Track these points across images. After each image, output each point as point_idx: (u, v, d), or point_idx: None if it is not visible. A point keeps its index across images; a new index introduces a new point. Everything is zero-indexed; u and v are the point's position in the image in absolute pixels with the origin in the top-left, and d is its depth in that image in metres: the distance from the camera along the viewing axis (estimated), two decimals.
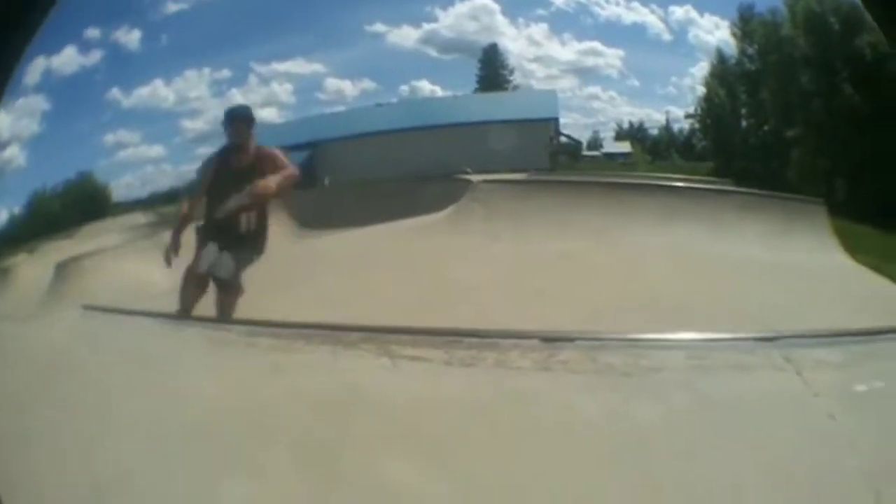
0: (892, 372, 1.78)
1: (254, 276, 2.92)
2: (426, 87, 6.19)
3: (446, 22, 6.71)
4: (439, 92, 6.25)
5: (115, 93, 4.01)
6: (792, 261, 3.20)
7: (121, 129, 4.08)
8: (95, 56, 3.79)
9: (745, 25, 7.90)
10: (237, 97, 5.11)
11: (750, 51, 7.94)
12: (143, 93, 4.24)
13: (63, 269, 2.86)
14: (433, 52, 6.55)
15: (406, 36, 6.50)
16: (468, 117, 5.92)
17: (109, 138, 4.08)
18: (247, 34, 4.79)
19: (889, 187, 5.12)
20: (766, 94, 7.15)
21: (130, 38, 4.05)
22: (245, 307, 2.36)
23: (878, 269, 3.60)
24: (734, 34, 7.91)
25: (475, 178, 4.19)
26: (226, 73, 5.01)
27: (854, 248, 3.86)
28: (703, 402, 1.56)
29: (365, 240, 3.66)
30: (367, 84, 5.92)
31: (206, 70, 4.81)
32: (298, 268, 2.91)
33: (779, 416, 1.53)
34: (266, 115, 5.45)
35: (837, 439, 1.45)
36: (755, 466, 1.37)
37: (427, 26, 6.57)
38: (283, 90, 5.56)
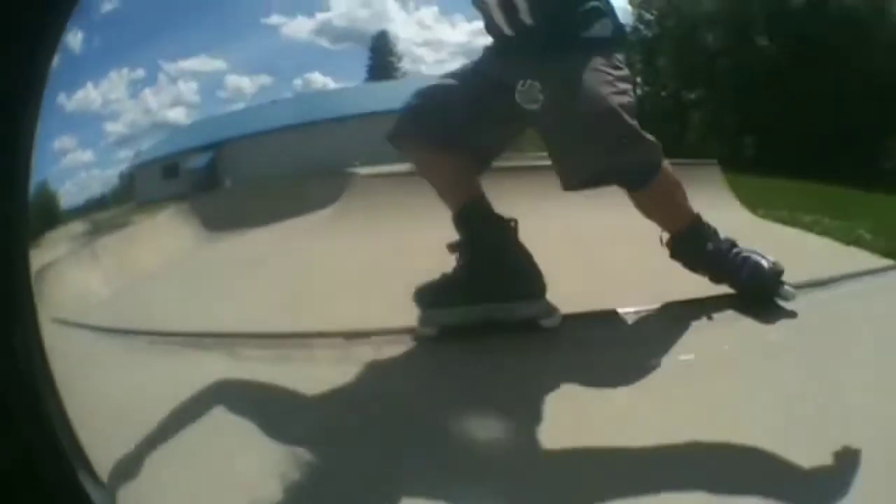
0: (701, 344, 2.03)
1: (163, 285, 3.15)
2: (318, 79, 6.29)
3: (339, 10, 6.87)
4: (331, 84, 6.36)
5: (61, 97, 3.96)
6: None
7: (64, 134, 4.16)
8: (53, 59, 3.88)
9: None
10: (149, 98, 5.17)
11: (648, 16, 8.28)
12: (79, 96, 4.33)
13: (38, 280, 2.97)
14: (326, 43, 6.65)
15: (300, 27, 6.57)
16: (356, 109, 6.03)
17: (56, 144, 4.09)
18: (159, 29, 4.74)
19: (804, 138, 5.76)
20: (663, 61, 7.59)
21: (76, 39, 3.93)
22: (157, 316, 2.55)
23: (788, 221, 3.85)
24: (631, 2, 8.20)
25: (362, 171, 4.44)
26: (140, 72, 5.05)
27: (762, 204, 4.08)
28: (481, 384, 1.89)
29: (253, 242, 3.89)
30: (264, 79, 5.99)
31: (125, 70, 4.86)
32: (206, 273, 3.15)
33: (552, 397, 1.79)
34: (175, 115, 5.56)
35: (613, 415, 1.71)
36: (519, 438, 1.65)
37: (321, 16, 6.70)
38: (188, 89, 5.59)
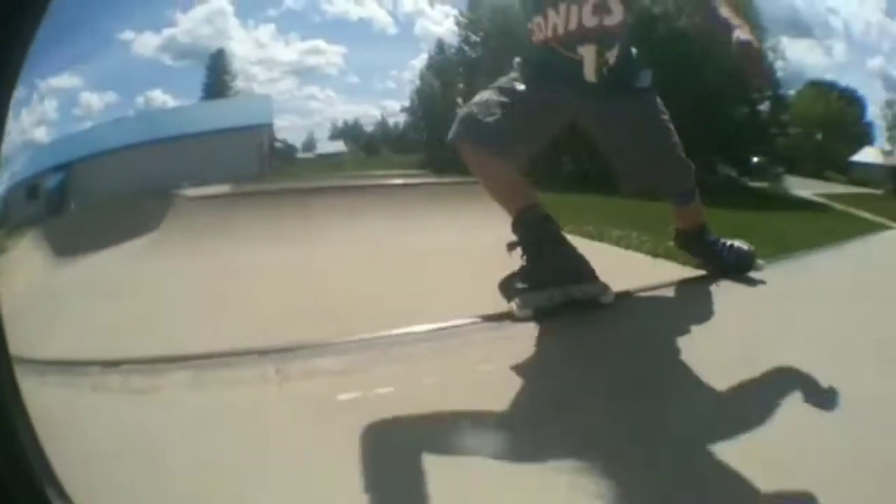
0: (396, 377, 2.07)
1: (16, 312, 2.84)
2: (159, 97, 6.69)
3: (184, 27, 7.33)
4: (171, 102, 6.76)
5: None
6: (484, 241, 3.16)
7: None
8: None
9: (475, 13, 9.02)
10: (24, 118, 5.19)
11: (474, 38, 9.05)
12: None
13: None
14: (168, 60, 7.13)
15: (147, 44, 6.93)
16: (190, 128, 6.41)
17: None
18: (42, 44, 4.70)
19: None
20: (485, 82, 8.17)
21: None
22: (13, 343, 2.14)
23: (595, 236, 4.20)
24: (458, 23, 9.13)
25: (188, 192, 4.64)
26: (22, 91, 5.01)
27: (570, 220, 4.09)
28: (183, 416, 1.87)
29: (90, 267, 3.87)
30: (111, 97, 6.21)
31: (20, 89, 4.94)
32: (55, 298, 3.18)
33: (238, 428, 1.78)
34: (39, 134, 5.68)
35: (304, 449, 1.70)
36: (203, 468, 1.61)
37: (167, 32, 7.09)
38: (50, 107, 5.71)
